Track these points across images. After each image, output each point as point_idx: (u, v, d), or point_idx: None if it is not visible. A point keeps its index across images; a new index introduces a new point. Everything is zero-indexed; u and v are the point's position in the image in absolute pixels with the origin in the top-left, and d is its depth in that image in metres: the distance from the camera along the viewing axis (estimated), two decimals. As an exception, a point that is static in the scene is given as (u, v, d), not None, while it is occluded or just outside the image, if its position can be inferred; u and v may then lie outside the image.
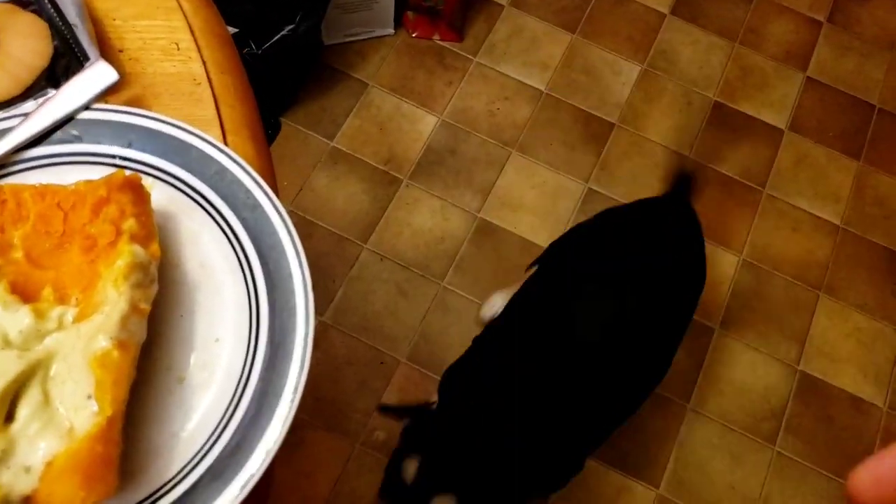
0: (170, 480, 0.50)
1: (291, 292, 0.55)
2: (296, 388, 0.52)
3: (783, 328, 1.69)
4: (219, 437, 0.51)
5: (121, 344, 0.47)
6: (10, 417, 0.45)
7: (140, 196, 0.53)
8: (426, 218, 1.74)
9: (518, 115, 1.88)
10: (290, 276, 0.56)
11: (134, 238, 0.51)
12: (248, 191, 0.58)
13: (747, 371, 1.65)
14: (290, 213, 1.84)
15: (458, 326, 1.62)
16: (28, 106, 0.61)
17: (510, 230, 1.74)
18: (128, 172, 0.53)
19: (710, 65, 1.97)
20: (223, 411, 0.52)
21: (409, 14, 1.94)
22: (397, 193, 1.77)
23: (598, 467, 1.53)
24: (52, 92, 0.62)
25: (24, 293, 0.50)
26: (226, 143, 0.63)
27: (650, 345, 1.14)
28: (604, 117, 1.88)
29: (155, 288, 0.51)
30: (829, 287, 1.74)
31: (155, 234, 0.53)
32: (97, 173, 0.57)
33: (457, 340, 1.60)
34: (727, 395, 1.62)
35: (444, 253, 1.71)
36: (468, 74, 1.93)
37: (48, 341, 0.48)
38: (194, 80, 0.64)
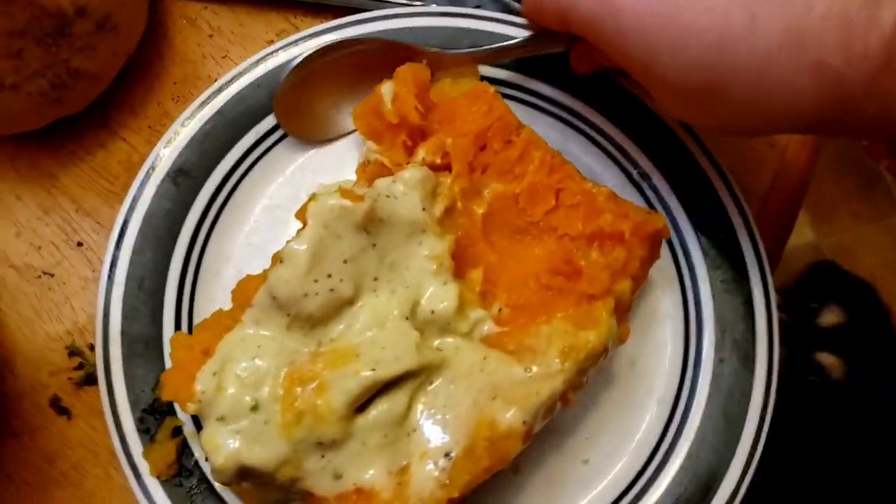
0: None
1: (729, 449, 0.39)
2: None
3: None
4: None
5: (526, 434, 0.34)
6: (360, 408, 0.35)
7: (652, 257, 0.39)
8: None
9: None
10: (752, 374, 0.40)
11: (617, 307, 0.37)
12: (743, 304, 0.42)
13: None
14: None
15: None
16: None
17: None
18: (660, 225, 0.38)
19: None
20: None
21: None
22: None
23: None
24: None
25: (456, 258, 0.38)
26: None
27: None
28: None
29: (586, 380, 0.37)
30: None
31: (629, 312, 0.39)
32: (602, 162, 0.44)
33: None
34: None
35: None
36: (885, 222, 1.58)
37: (448, 343, 0.37)
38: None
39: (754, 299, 0.42)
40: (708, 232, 0.43)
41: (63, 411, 0.42)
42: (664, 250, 0.43)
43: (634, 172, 0.44)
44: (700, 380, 0.41)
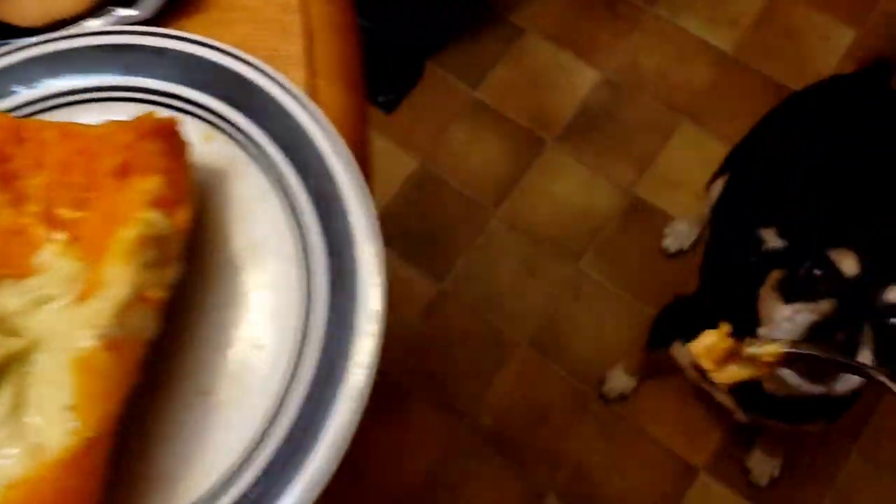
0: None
1: (363, 303, 0.41)
2: (342, 439, 0.38)
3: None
4: (241, 475, 0.39)
5: (111, 343, 0.35)
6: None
7: (175, 147, 0.41)
8: (570, 188, 1.55)
9: (695, 78, 1.61)
10: (357, 282, 0.42)
11: (158, 202, 0.39)
12: (320, 157, 0.44)
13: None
14: (419, 168, 1.61)
15: (590, 316, 1.44)
16: (92, 25, 0.51)
17: (667, 212, 1.51)
18: (164, 114, 0.41)
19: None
20: (249, 447, 0.40)
21: (582, -47, 1.72)
22: (541, 157, 1.58)
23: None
24: (119, 11, 0.51)
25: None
26: (312, 90, 0.49)
27: None
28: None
29: (175, 270, 0.39)
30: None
31: (188, 198, 0.41)
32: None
33: (589, 332, 1.42)
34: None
35: (585, 230, 1.51)
36: (641, 26, 1.68)
37: (38, 320, 0.38)
38: (283, 5, 0.51)
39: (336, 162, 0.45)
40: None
41: None
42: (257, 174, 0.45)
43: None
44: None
